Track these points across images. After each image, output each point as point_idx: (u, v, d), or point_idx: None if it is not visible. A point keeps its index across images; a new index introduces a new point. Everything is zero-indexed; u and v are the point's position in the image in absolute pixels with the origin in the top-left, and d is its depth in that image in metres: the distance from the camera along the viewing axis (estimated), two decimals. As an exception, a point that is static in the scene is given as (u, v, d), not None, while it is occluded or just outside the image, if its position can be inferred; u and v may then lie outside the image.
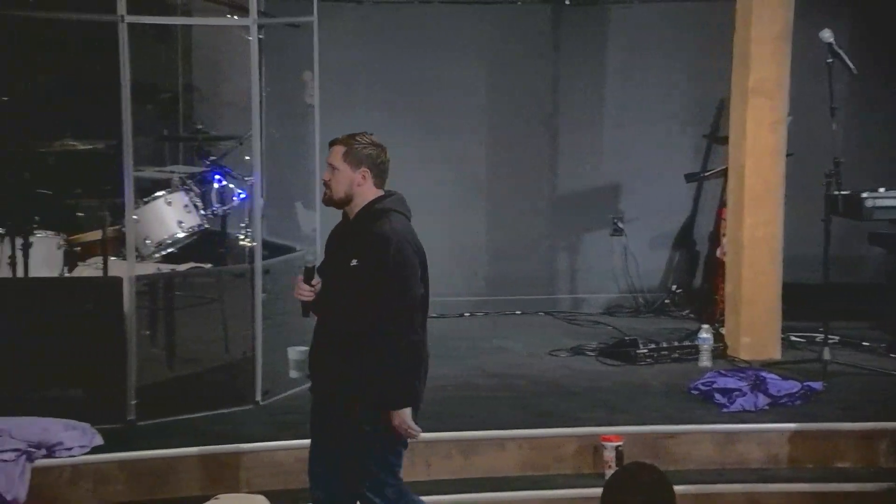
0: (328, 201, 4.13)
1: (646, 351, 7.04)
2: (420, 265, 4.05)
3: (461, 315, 8.58)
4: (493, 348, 7.58)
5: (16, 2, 6.59)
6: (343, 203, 4.10)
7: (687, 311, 8.56)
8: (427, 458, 5.47)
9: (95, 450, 5.15)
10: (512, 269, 8.68)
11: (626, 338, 7.32)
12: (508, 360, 7.25)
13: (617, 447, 5.43)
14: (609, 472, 5.33)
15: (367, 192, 4.08)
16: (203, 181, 6.32)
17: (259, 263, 6.01)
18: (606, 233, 8.78)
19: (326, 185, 4.10)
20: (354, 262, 4.00)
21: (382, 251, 3.94)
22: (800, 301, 7.23)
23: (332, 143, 4.14)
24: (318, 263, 4.36)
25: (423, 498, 4.35)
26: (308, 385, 6.32)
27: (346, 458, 4.12)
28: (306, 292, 4.13)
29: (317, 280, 4.13)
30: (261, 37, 6.37)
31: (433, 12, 8.47)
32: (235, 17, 6.65)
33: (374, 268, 3.96)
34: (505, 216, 8.72)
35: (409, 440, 4.19)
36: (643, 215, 8.78)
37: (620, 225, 8.76)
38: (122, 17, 5.53)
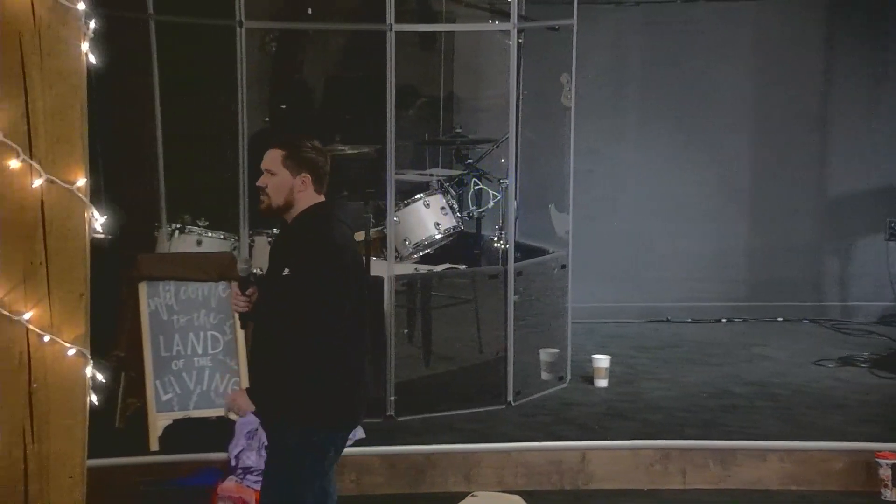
0: (266, 210, 3.80)
1: (927, 364, 6.59)
2: (355, 278, 3.75)
3: (718, 321, 8.32)
4: (751, 356, 7.31)
5: (292, 15, 7.00)
6: (282, 211, 3.78)
7: (977, 324, 7.97)
8: (682, 466, 5.34)
9: (358, 443, 5.33)
10: (775, 273, 8.35)
11: (904, 349, 6.89)
12: (769, 368, 6.97)
13: (894, 465, 5.09)
14: (887, 492, 5.04)
15: (307, 198, 3.76)
16: (460, 184, 6.45)
17: (512, 265, 6.08)
18: (881, 237, 8.27)
19: (263, 191, 3.77)
20: (286, 272, 3.70)
21: (318, 259, 3.65)
22: None
23: (270, 147, 3.81)
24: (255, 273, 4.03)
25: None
26: (559, 387, 6.31)
27: (273, 472, 3.80)
28: (242, 302, 3.85)
29: (252, 290, 3.86)
30: (520, 41, 6.43)
31: (696, 11, 8.28)
32: (497, 22, 6.74)
33: (305, 276, 3.65)
34: (769, 218, 8.40)
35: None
36: (924, 219, 8.21)
37: (899, 229, 8.23)
38: (391, 25, 5.75)
